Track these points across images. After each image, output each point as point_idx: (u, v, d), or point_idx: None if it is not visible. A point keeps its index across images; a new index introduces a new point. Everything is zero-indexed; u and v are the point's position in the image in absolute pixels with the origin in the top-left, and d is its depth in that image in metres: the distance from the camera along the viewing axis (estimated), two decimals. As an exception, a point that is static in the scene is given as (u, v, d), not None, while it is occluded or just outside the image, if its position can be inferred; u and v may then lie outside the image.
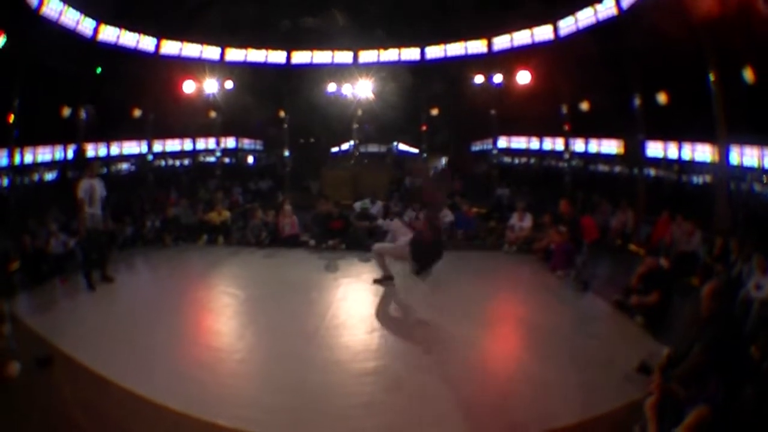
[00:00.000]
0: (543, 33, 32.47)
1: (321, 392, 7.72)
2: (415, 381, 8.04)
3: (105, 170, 34.52)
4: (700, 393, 5.70)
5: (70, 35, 28.87)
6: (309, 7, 34.42)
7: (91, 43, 30.38)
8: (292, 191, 29.42)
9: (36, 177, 29.13)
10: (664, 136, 27.34)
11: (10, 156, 25.86)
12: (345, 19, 34.51)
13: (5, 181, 26.40)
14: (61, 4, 27.61)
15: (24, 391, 7.56)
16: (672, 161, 27.99)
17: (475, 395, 7.66)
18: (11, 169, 25.97)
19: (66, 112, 29.81)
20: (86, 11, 29.50)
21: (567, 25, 31.05)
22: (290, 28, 35.33)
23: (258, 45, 37.17)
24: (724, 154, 20.99)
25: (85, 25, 29.92)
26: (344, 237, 18.01)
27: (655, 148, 27.94)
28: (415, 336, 9.85)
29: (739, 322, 8.57)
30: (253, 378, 8.41)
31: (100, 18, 30.60)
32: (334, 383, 8.03)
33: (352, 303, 12.12)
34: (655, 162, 28.33)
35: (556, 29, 31.75)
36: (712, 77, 20.25)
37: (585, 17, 29.68)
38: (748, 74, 20.34)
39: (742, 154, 23.19)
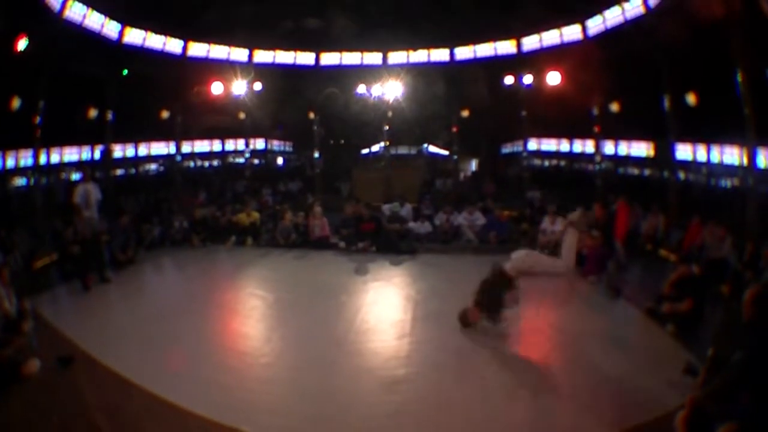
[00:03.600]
0: (572, 33, 32.22)
1: (348, 400, 7.57)
2: (444, 390, 7.90)
3: (133, 171, 34.83)
4: (732, 408, 5.50)
5: (95, 38, 28.98)
6: (338, 8, 34.31)
7: (117, 46, 30.49)
8: (322, 193, 29.43)
9: (63, 176, 29.31)
10: (693, 138, 27.01)
11: (35, 156, 26.04)
12: (373, 20, 34.38)
13: (31, 181, 26.59)
14: (85, 7, 27.69)
15: (44, 391, 7.52)
16: (701, 164, 27.65)
17: (505, 406, 7.50)
18: (35, 169, 26.15)
19: (93, 113, 29.94)
20: (111, 14, 29.60)
21: (595, 24, 30.78)
22: (317, 29, 35.27)
23: (286, 47, 37.20)
24: (753, 157, 20.59)
25: (110, 28, 30.00)
26: (375, 239, 17.90)
27: (684, 151, 27.60)
28: (445, 343, 9.67)
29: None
30: (279, 384, 8.24)
31: (126, 21, 30.70)
32: (362, 391, 7.88)
33: (383, 307, 12.03)
34: (684, 164, 27.98)
35: (584, 29, 31.49)
36: (740, 78, 19.89)
37: (612, 16, 29.40)
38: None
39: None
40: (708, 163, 26.82)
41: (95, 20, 28.71)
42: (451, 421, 7.05)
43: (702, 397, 5.78)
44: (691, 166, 27.85)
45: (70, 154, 30.05)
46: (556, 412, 7.38)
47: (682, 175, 27.96)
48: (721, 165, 25.92)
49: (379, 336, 10.09)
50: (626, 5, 28.21)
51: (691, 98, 25.59)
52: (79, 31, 27.52)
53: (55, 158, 28.90)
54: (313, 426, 6.91)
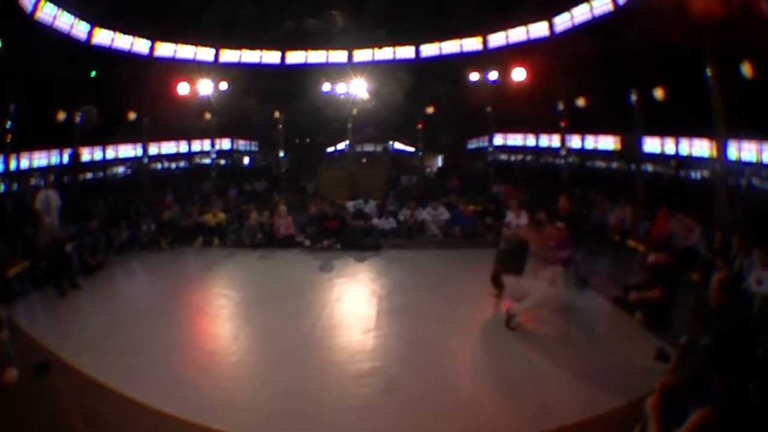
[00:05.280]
0: (538, 30, 32.45)
1: (317, 394, 7.64)
2: (411, 382, 7.98)
3: (102, 174, 34.61)
4: (704, 393, 5.60)
5: (65, 39, 28.74)
6: (303, 7, 34.26)
7: (86, 47, 30.25)
8: (288, 192, 29.35)
9: (33, 182, 29.04)
10: (662, 132, 27.31)
11: (6, 162, 25.68)
12: (340, 19, 34.35)
13: (2, 187, 26.23)
14: (56, 8, 27.45)
15: (22, 398, 7.47)
16: (669, 156, 27.97)
17: (473, 395, 7.61)
18: (6, 175, 25.80)
19: (61, 116, 29.64)
20: (81, 15, 29.34)
21: (563, 21, 31.02)
22: (284, 28, 35.20)
23: (252, 46, 37.11)
24: (723, 150, 20.88)
25: (80, 29, 29.82)
26: (340, 237, 17.98)
27: (652, 144, 27.90)
28: (411, 336, 9.79)
29: (749, 313, 8.46)
30: (248, 380, 8.32)
31: (95, 21, 30.44)
32: (330, 385, 7.95)
33: (348, 303, 12.17)
34: (653, 157, 28.27)
35: (551, 26, 31.72)
36: (709, 72, 20.12)
37: (580, 13, 29.60)
38: (747, 69, 20.29)
39: (740, 149, 23.22)
40: (677, 155, 27.20)
41: (65, 21, 28.59)
42: (418, 412, 7.14)
43: (673, 383, 5.91)
44: (659, 158, 28.21)
45: (39, 158, 29.79)
46: (526, 399, 7.49)
47: (650, 167, 28.27)
48: (690, 157, 26.33)
49: (346, 331, 10.20)
50: (594, 3, 28.46)
51: (658, 93, 25.88)
52: (49, 32, 27.32)
53: (24, 163, 28.60)
54: (283, 420, 6.97)
